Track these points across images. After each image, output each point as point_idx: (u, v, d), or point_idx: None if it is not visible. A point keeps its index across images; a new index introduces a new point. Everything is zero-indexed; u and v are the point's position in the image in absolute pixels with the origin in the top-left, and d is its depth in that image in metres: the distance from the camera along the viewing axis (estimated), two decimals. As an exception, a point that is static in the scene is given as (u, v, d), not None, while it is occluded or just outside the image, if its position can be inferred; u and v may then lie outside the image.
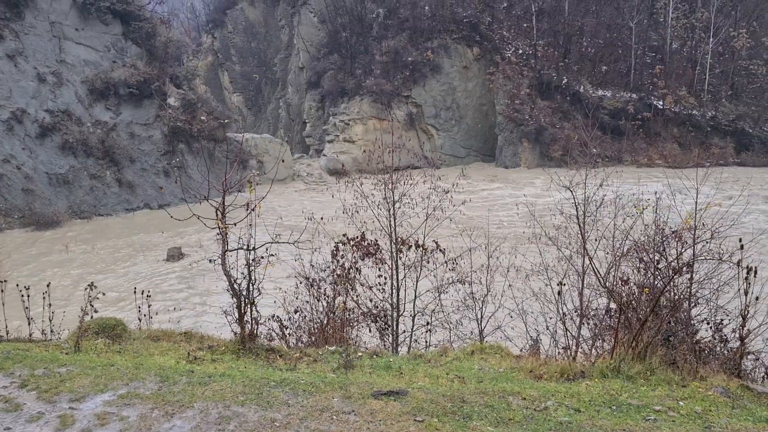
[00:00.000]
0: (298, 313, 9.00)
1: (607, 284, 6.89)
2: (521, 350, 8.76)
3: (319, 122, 50.09)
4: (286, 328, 8.94)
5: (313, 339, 8.58)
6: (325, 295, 8.96)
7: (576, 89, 46.29)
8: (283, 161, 40.60)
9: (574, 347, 8.57)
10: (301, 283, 9.22)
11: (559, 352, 8.67)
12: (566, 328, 8.63)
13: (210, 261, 7.24)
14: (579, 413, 4.72)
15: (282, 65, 57.51)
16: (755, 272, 6.58)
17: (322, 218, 10.05)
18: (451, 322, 9.99)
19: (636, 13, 48.33)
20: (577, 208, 7.55)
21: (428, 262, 9.39)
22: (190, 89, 40.15)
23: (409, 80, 46.78)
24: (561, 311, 8.47)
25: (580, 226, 7.36)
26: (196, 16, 75.41)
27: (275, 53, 58.21)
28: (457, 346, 8.88)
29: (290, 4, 55.82)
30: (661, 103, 45.66)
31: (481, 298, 9.89)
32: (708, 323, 7.41)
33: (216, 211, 6.35)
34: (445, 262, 9.50)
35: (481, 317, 9.85)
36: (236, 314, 6.62)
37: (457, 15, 48.13)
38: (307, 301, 8.99)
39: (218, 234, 6.56)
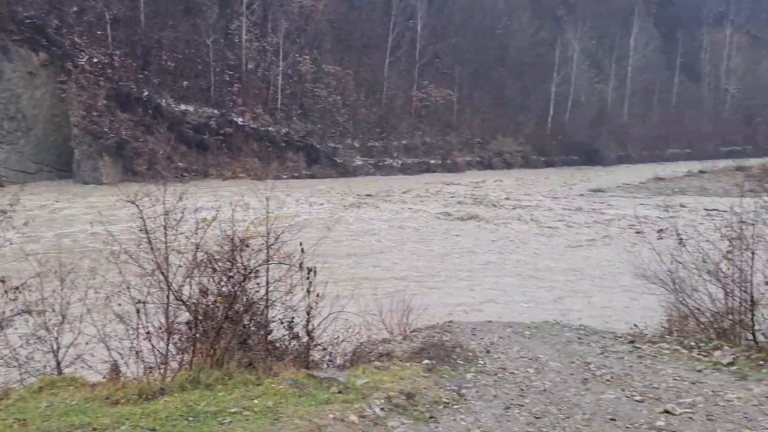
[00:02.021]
0: None
1: (183, 297, 6.97)
2: (104, 377, 8.27)
3: None
4: None
5: None
6: None
7: (158, 102, 45.86)
8: None
9: (163, 365, 8.44)
10: None
11: (146, 373, 8.44)
12: (153, 346, 8.44)
13: None
14: (155, 432, 4.66)
15: None
16: (315, 272, 7.45)
17: None
18: (18, 359, 8.86)
19: (212, 32, 50.22)
20: (145, 222, 7.45)
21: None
22: None
23: (-44, 84, 40.07)
24: (146, 330, 8.25)
25: (150, 241, 7.28)
26: None
27: None
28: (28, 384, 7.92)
29: None
30: (240, 119, 48.38)
31: (56, 327, 9.00)
32: (282, 323, 8.06)
33: None
34: (6, 291, 8.38)
35: (58, 348, 8.98)
36: None
37: (17, 14, 43.10)
38: None
39: None
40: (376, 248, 23.10)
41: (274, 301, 7.91)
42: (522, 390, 6.66)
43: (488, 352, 8.67)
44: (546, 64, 70.89)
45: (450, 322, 11.85)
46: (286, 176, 45.27)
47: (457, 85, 64.31)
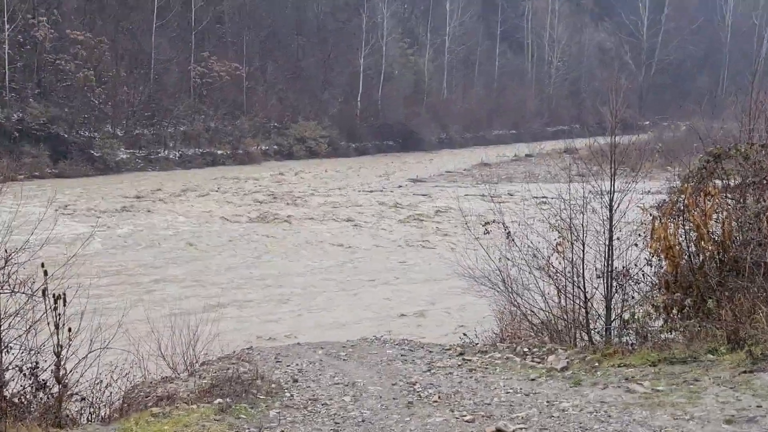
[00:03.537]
0: None
1: None
2: None
3: None
4: None
5: None
6: None
7: None
8: None
9: None
10: None
11: None
12: None
13: None
14: None
15: None
16: (65, 301, 6.99)
17: None
18: None
19: None
20: None
21: None
22: None
23: None
24: None
25: None
26: None
27: None
28: None
29: None
30: (-47, 102, 44.23)
31: None
32: (22, 370, 7.50)
33: None
34: None
35: None
36: None
37: None
38: None
39: None
40: (149, 265, 22.31)
41: (9, 343, 7.35)
42: (337, 423, 6.80)
43: (296, 381, 8.75)
44: (351, 33, 72.68)
45: (249, 349, 11.81)
46: (23, 176, 41.95)
47: (246, 58, 63.84)
